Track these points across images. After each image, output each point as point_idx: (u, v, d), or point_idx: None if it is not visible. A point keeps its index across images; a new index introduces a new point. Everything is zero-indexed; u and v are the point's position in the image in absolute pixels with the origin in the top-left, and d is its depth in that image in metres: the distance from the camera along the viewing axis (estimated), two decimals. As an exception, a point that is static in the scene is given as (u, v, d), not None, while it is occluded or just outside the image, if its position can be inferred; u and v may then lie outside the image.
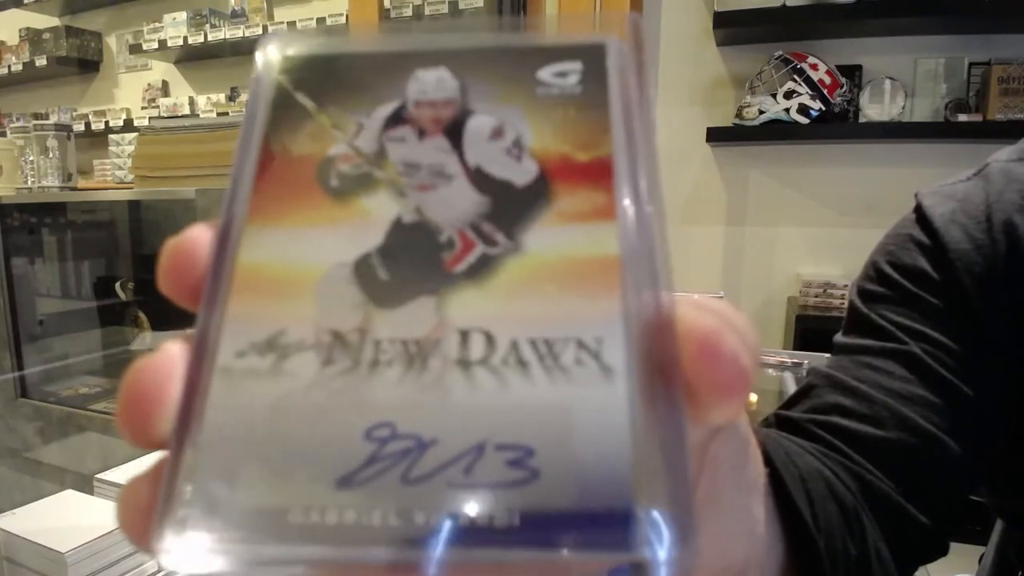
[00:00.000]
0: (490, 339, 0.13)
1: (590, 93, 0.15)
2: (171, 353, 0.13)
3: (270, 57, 0.16)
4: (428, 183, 0.15)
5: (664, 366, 0.13)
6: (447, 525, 0.11)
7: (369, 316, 0.13)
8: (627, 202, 0.14)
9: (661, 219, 0.14)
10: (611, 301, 0.13)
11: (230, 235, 0.14)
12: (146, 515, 0.12)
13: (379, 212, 0.14)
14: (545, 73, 0.16)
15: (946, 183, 0.48)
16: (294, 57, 0.16)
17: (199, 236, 0.14)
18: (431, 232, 0.14)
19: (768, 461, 0.30)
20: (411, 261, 0.14)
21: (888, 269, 0.46)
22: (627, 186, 0.14)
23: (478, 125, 0.15)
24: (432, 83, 0.15)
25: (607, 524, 0.11)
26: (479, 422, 0.12)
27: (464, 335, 0.13)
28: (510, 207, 0.14)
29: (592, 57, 0.16)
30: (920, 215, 0.46)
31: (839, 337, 0.48)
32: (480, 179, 0.15)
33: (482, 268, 0.14)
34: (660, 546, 0.11)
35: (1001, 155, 0.46)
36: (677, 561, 0.11)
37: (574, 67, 0.16)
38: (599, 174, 0.14)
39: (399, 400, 0.12)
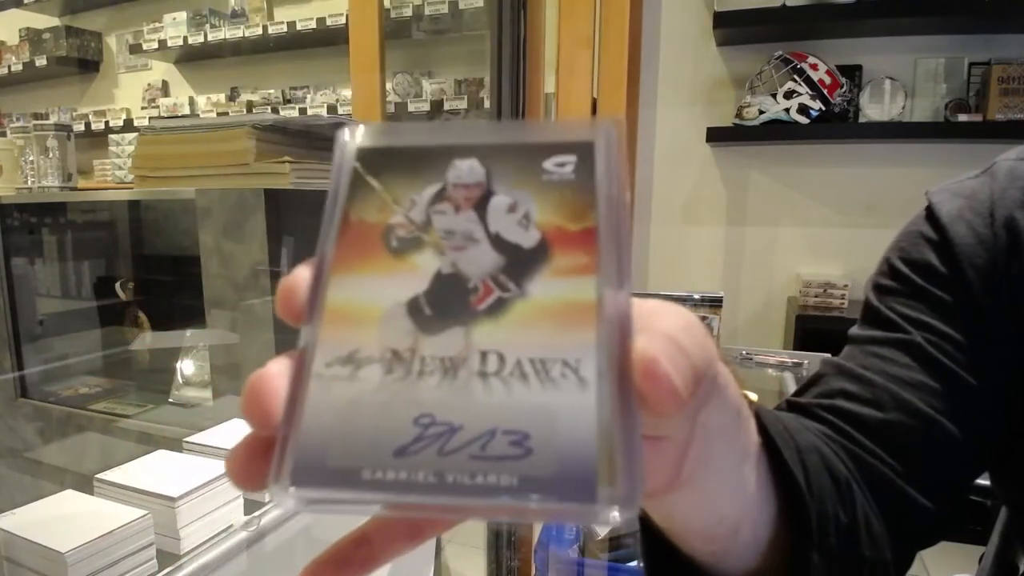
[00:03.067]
0: (502, 358, 0.18)
1: (581, 179, 0.20)
2: (278, 364, 0.19)
3: (347, 147, 0.22)
4: (461, 245, 0.20)
5: (623, 380, 0.17)
6: (469, 482, 0.16)
7: (417, 340, 0.18)
8: (604, 262, 0.19)
9: (630, 273, 0.19)
10: (588, 333, 0.18)
11: (321, 280, 0.20)
12: (247, 472, 0.18)
13: (425, 266, 0.20)
14: (549, 163, 0.21)
15: (955, 181, 0.49)
16: (365, 148, 0.22)
17: (300, 278, 0.20)
18: (462, 281, 0.19)
19: (764, 432, 0.32)
20: (448, 302, 0.19)
21: (899, 264, 0.48)
22: (605, 250, 0.19)
23: (498, 202, 0.20)
24: (466, 170, 0.21)
25: (578, 487, 0.16)
26: (492, 415, 0.17)
27: (483, 355, 0.18)
28: (519, 263, 0.19)
29: (584, 151, 0.21)
30: (929, 212, 0.48)
31: (853, 329, 0.50)
32: (498, 243, 0.20)
33: (498, 308, 0.19)
34: (611, 502, 0.15)
35: (1010, 154, 0.48)
36: (622, 512, 0.15)
37: (570, 159, 0.21)
38: (585, 240, 0.19)
39: (437, 399, 0.17)
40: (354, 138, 0.22)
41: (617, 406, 0.17)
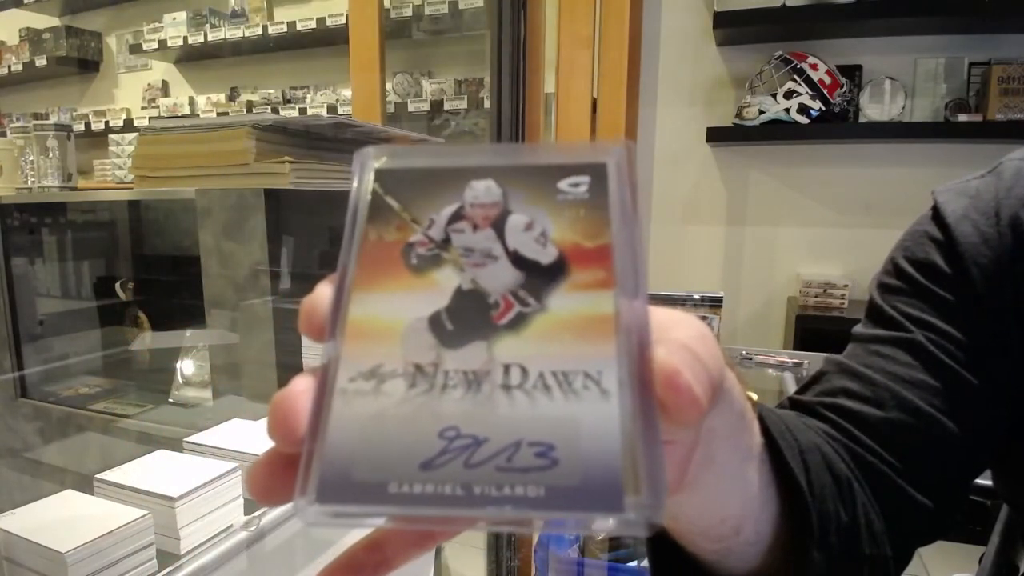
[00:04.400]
0: (524, 371, 0.18)
1: (595, 198, 0.21)
2: (302, 382, 0.18)
3: (365, 168, 0.23)
4: (480, 262, 0.20)
5: (644, 390, 0.17)
6: (496, 494, 0.16)
7: (440, 354, 0.19)
8: (621, 276, 0.19)
9: (645, 287, 0.19)
10: (608, 345, 0.18)
11: (342, 297, 0.20)
12: (269, 487, 0.18)
13: (446, 282, 0.20)
14: (563, 184, 0.21)
15: (961, 180, 0.49)
16: (383, 170, 0.23)
17: (322, 296, 0.20)
18: (483, 297, 0.20)
19: (767, 432, 0.32)
20: (469, 317, 0.19)
21: (904, 263, 0.48)
22: (620, 265, 0.20)
23: (515, 221, 0.21)
24: (482, 190, 0.21)
25: (605, 496, 0.16)
26: (517, 427, 0.17)
27: (506, 368, 0.18)
28: (538, 279, 0.20)
29: (597, 172, 0.22)
30: (935, 212, 0.48)
31: (857, 328, 0.50)
32: (517, 259, 0.20)
33: (519, 322, 0.19)
34: (637, 511, 0.16)
35: (1016, 154, 0.48)
36: (648, 521, 0.16)
37: (584, 179, 0.21)
38: (601, 256, 0.20)
39: (462, 412, 0.18)
40: (372, 160, 0.23)
41: (639, 416, 0.17)
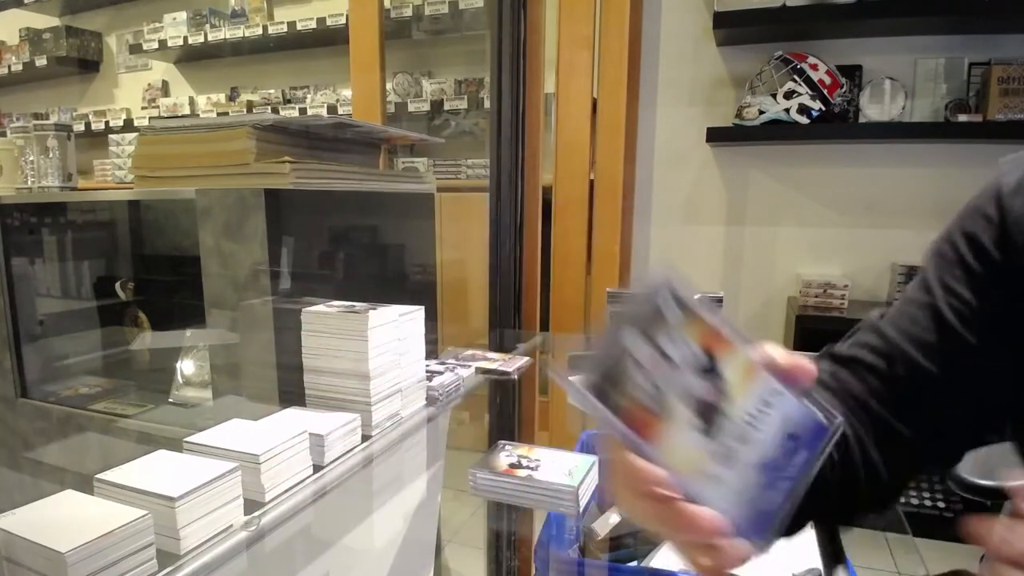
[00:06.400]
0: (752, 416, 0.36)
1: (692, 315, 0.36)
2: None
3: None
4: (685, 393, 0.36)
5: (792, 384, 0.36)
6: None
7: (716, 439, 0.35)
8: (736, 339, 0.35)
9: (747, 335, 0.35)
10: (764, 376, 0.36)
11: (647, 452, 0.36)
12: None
13: (679, 415, 0.35)
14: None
15: None
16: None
17: (648, 470, 0.36)
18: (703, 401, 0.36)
19: None
20: (708, 415, 0.35)
21: (956, 234, 0.51)
22: (730, 334, 0.35)
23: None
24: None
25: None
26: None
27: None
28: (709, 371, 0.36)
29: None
30: (996, 182, 0.50)
31: (908, 286, 0.56)
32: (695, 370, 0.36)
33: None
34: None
35: None
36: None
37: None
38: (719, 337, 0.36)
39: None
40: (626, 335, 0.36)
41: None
